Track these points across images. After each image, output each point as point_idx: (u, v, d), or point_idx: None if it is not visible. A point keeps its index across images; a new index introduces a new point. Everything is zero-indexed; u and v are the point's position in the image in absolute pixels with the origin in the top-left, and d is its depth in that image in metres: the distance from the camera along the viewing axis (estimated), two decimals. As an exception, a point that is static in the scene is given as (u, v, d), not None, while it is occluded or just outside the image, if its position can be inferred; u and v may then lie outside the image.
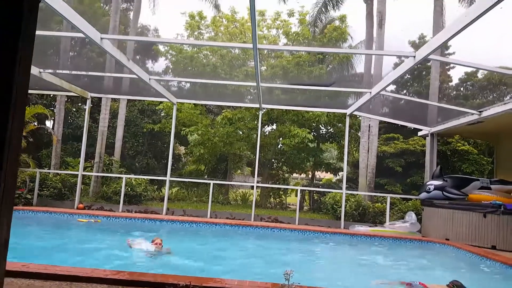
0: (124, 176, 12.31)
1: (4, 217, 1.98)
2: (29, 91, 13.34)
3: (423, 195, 10.80)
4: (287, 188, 17.21)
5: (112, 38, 7.44)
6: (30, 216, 10.18)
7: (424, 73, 22.82)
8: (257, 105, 12.03)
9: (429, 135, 12.07)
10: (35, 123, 16.14)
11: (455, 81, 25.65)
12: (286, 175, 19.16)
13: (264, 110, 15.05)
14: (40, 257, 6.29)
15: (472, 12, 4.80)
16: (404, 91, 24.74)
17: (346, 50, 17.15)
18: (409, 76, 24.53)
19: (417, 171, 16.01)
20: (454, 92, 25.58)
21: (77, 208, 11.25)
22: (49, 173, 12.90)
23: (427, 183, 10.95)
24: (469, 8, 6.22)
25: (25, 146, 11.48)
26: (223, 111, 16.55)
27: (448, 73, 25.26)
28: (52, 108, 16.20)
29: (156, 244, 6.90)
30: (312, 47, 17.45)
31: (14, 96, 1.99)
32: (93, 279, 4.22)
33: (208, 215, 11.33)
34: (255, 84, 9.11)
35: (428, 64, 18.71)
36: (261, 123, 12.57)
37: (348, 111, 11.78)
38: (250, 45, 6.62)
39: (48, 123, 18.41)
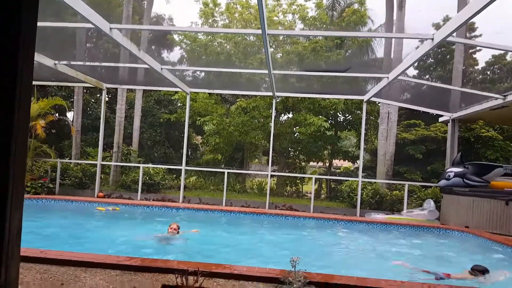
0: (141, 165, 12.50)
1: (16, 208, 2.01)
2: (47, 83, 13.69)
3: (443, 182, 10.50)
4: (303, 177, 17.09)
5: (121, 27, 7.46)
6: (53, 204, 10.52)
7: (448, 56, 21.97)
8: (271, 94, 11.89)
9: (450, 121, 11.66)
10: (56, 115, 16.58)
11: (481, 64, 24.57)
12: (303, 163, 19.00)
13: (278, 98, 14.90)
14: (59, 243, 6.48)
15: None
16: (427, 76, 23.96)
17: (356, 34, 16.65)
18: (432, 60, 23.70)
19: (438, 159, 15.54)
20: (480, 76, 24.55)
21: (97, 197, 11.54)
22: (70, 163, 13.25)
23: (447, 170, 10.63)
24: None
25: (44, 136, 11.78)
26: (237, 100, 16.49)
27: (474, 56, 24.21)
28: (72, 100, 16.54)
29: (171, 229, 7.06)
30: (326, 31, 17.04)
31: (18, 88, 2.00)
32: (106, 265, 4.33)
33: (223, 203, 11.40)
34: (267, 71, 8.98)
35: (453, 47, 18.00)
36: (276, 111, 12.47)
37: (365, 98, 11.50)
38: (259, 31, 6.50)
39: (69, 114, 18.86)
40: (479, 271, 5.24)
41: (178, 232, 7.09)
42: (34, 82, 12.28)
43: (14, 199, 1.99)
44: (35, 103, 11.81)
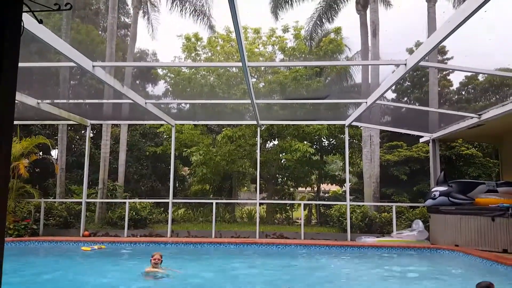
0: (127, 200, 12.32)
1: None
2: (30, 122, 13.61)
3: (429, 202, 10.64)
4: (292, 203, 17.08)
5: (104, 65, 7.58)
6: (36, 246, 10.21)
7: (423, 79, 22.77)
8: (255, 122, 12.07)
9: (430, 141, 11.97)
10: (40, 153, 16.35)
11: (456, 85, 25.55)
12: (292, 189, 19.05)
13: (263, 126, 15.10)
14: None
15: (460, 13, 4.70)
16: (405, 98, 24.68)
17: (333, 62, 17.23)
18: (408, 83, 24.51)
19: (423, 178, 15.79)
20: (456, 97, 25.45)
21: (83, 236, 11.24)
22: (54, 202, 12.97)
23: (432, 190, 10.80)
24: (456, 10, 6.21)
25: (28, 176, 11.57)
26: (223, 129, 16.62)
27: (448, 77, 25.18)
28: (56, 137, 16.39)
29: (154, 259, 6.73)
30: (305, 62, 17.57)
31: None
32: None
33: (213, 235, 11.24)
34: (250, 101, 9.16)
35: (427, 70, 18.71)
36: (262, 139, 12.59)
37: (346, 122, 11.75)
38: (240, 64, 6.69)
39: (53, 152, 18.62)
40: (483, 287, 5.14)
41: (161, 262, 6.77)
42: (17, 122, 12.20)
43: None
44: (18, 142, 11.67)
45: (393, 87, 18.22)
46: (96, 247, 9.85)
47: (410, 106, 14.75)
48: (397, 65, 7.19)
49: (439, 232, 10.34)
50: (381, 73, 13.83)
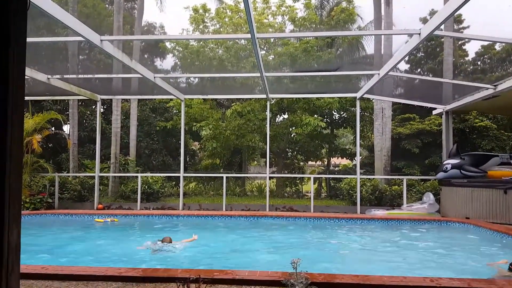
0: (139, 174, 12.51)
1: (13, 222, 2.04)
2: (41, 98, 13.70)
3: (440, 174, 10.56)
4: (302, 177, 17.13)
5: (111, 39, 7.48)
6: (53, 219, 10.49)
7: (438, 49, 22.11)
8: (265, 96, 11.95)
9: (444, 113, 11.74)
10: (52, 129, 16.56)
11: (471, 55, 24.77)
12: (301, 163, 19.06)
13: (272, 100, 14.95)
14: (60, 258, 6.48)
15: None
16: (419, 70, 24.08)
17: (344, 33, 16.71)
18: (422, 54, 23.84)
19: (435, 151, 15.63)
20: (471, 67, 24.72)
21: (97, 209, 11.52)
22: (68, 176, 13.24)
23: (444, 162, 10.70)
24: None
25: (41, 151, 11.77)
26: (232, 104, 16.52)
27: (464, 47, 24.40)
28: (67, 113, 16.54)
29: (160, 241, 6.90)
30: (316, 32, 17.13)
31: (10, 104, 2.03)
32: (107, 277, 4.33)
33: (223, 208, 11.41)
34: (259, 74, 9.02)
35: (442, 40, 18.12)
36: (271, 113, 12.50)
37: (358, 95, 11.56)
38: (248, 35, 6.54)
39: (65, 128, 18.84)
40: None
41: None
42: (28, 98, 12.30)
43: (11, 215, 2.02)
44: (30, 118, 11.80)
45: (406, 58, 17.75)
46: (109, 220, 10.11)
47: (424, 77, 14.37)
48: (411, 35, 6.95)
49: (450, 205, 10.31)
50: (394, 44, 13.44)
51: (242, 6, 17.66)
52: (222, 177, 12.77)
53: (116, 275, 4.36)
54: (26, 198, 10.91)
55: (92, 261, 6.25)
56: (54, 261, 6.18)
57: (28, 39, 2.18)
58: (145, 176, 13.30)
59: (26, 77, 5.52)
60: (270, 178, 14.95)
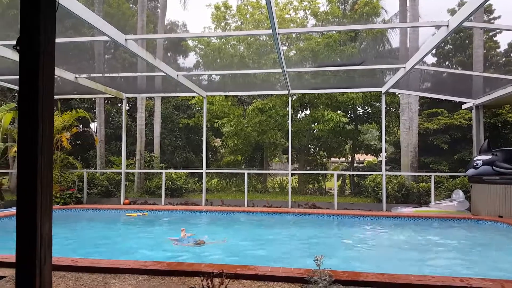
0: (163, 170, 12.70)
1: (45, 215, 2.12)
2: (69, 96, 14.11)
3: (471, 171, 10.18)
4: (324, 174, 16.94)
5: (136, 38, 7.59)
6: (82, 214, 10.82)
7: (467, 41, 21.31)
8: (286, 92, 11.85)
9: (474, 107, 11.30)
10: (80, 126, 17.07)
11: (503, 47, 23.72)
12: (324, 160, 18.85)
13: (294, 96, 14.82)
14: (89, 251, 6.66)
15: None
16: (447, 63, 23.30)
17: (369, 26, 16.30)
18: (450, 47, 23.05)
19: (464, 147, 15.11)
20: (503, 59, 23.69)
21: (123, 204, 11.79)
22: (96, 172, 13.61)
23: (475, 159, 10.30)
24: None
25: (70, 148, 12.14)
26: (253, 101, 16.51)
27: (495, 38, 23.39)
28: (94, 111, 17.00)
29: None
30: (338, 26, 16.82)
31: (40, 103, 2.09)
32: (134, 270, 4.42)
33: (245, 204, 11.43)
34: (281, 70, 8.94)
35: (471, 31, 17.44)
36: (293, 109, 12.39)
37: (383, 89, 11.29)
38: (270, 31, 6.48)
39: (93, 125, 19.38)
40: None
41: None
42: (57, 96, 12.69)
43: (43, 209, 2.09)
44: (59, 116, 12.18)
45: (434, 51, 17.18)
46: (141, 214, 10.36)
47: (452, 70, 13.88)
48: (438, 27, 6.71)
49: (481, 203, 9.93)
50: (420, 36, 13.03)
51: (263, 2, 17.57)
52: (244, 173, 12.79)
53: (142, 268, 4.45)
54: (57, 194, 11.29)
55: (119, 254, 6.39)
56: (84, 254, 6.36)
57: (57, 40, 2.23)
58: (169, 172, 13.51)
59: (55, 76, 5.66)
60: (292, 174, 14.87)
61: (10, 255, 4.81)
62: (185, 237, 7.03)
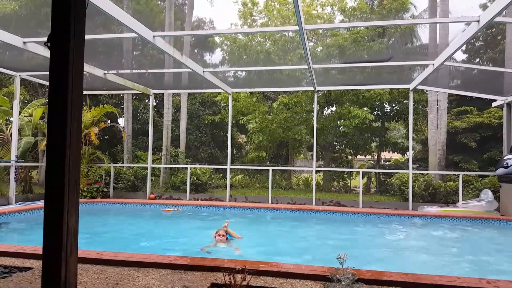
0: (189, 166, 12.90)
1: (72, 208, 2.21)
2: (98, 92, 14.52)
3: (500, 171, 9.80)
4: (350, 171, 16.73)
5: (163, 35, 7.74)
6: (109, 207, 11.13)
7: (499, 37, 20.42)
8: (312, 88, 11.77)
9: (505, 105, 10.86)
10: (108, 121, 17.57)
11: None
12: (350, 157, 18.60)
13: (320, 92, 14.69)
14: (114, 245, 6.87)
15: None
16: (477, 59, 22.43)
17: (397, 22, 15.88)
18: (481, 43, 22.17)
19: (494, 146, 14.56)
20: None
21: (149, 198, 12.05)
22: (123, 167, 13.97)
23: (505, 158, 9.92)
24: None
25: (98, 143, 12.51)
26: (279, 96, 16.47)
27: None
28: (122, 106, 17.44)
29: (219, 236, 6.54)
30: (366, 22, 16.51)
31: (70, 98, 2.19)
32: (158, 265, 4.50)
33: (269, 201, 11.46)
34: (307, 67, 8.89)
35: (503, 26, 16.72)
36: (319, 105, 12.29)
37: (411, 86, 11.03)
38: (296, 27, 6.46)
39: (120, 121, 19.91)
40: None
41: (227, 239, 6.55)
42: (86, 92, 13.11)
43: (70, 202, 2.18)
44: (88, 111, 12.57)
45: (464, 47, 16.60)
46: (176, 209, 10.58)
47: (483, 67, 13.34)
48: (469, 23, 6.48)
49: (510, 203, 9.57)
50: (450, 32, 12.63)
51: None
52: (268, 170, 12.82)
53: (166, 263, 4.52)
54: (84, 187, 11.62)
55: (145, 247, 6.56)
56: (109, 247, 6.54)
57: (86, 37, 2.31)
58: (194, 168, 13.71)
59: (84, 72, 5.86)
60: (317, 171, 14.77)
61: (37, 247, 4.94)
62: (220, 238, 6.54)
